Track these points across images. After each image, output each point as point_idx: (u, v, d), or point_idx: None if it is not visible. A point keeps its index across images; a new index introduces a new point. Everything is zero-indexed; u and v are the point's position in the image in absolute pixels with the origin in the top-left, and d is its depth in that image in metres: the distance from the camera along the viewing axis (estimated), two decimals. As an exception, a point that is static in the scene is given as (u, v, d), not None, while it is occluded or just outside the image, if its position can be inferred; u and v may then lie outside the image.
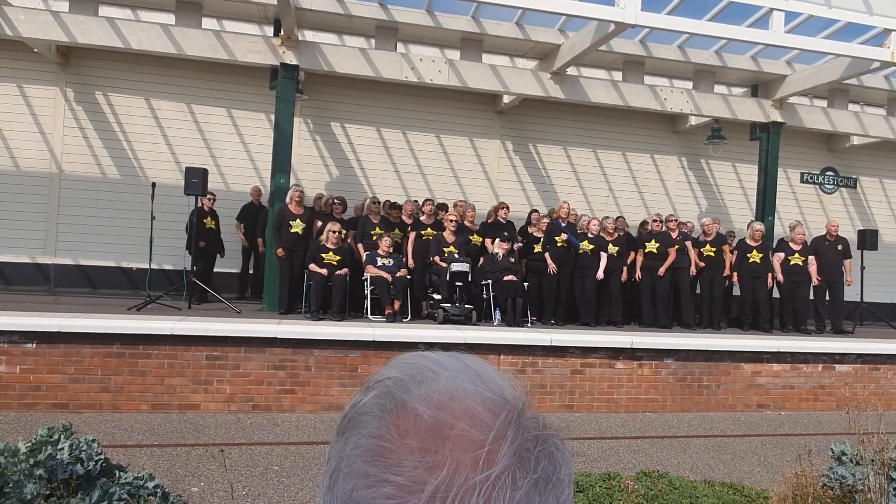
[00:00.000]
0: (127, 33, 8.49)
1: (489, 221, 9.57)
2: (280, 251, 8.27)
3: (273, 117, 9.31)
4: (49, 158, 10.10)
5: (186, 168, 8.25)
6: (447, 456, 0.47)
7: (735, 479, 5.00)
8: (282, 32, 8.82)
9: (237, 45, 8.80)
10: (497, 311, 8.39)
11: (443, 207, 9.67)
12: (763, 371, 7.95)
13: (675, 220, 9.60)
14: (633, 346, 7.50)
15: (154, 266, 8.33)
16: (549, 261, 8.90)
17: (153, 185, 8.16)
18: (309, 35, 9.82)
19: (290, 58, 8.82)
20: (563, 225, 9.16)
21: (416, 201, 9.63)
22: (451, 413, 0.49)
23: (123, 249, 10.01)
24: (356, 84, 10.49)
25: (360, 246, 8.66)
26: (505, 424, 0.49)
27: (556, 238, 8.99)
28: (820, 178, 12.43)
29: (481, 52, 10.04)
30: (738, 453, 6.00)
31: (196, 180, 8.00)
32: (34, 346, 6.08)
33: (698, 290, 9.67)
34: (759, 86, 11.14)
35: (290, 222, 8.30)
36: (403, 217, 9.31)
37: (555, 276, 8.91)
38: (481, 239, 9.06)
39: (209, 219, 9.02)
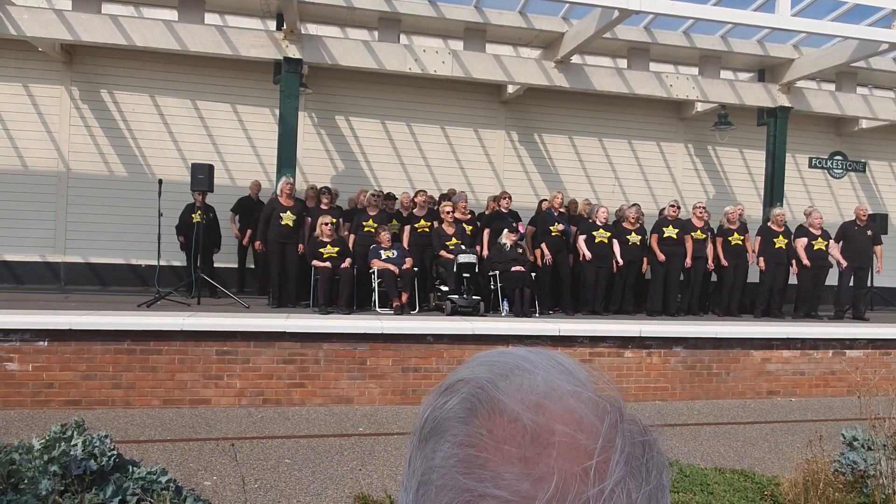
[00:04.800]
0: (130, 30, 8.50)
1: (488, 212, 9.53)
2: (258, 244, 8.28)
3: (277, 112, 9.31)
4: (56, 157, 10.14)
5: (192, 164, 8.28)
6: (553, 466, 0.42)
7: (746, 465, 4.99)
8: (284, 26, 8.80)
9: (240, 39, 8.79)
10: (505, 302, 8.38)
11: (445, 197, 9.64)
12: (773, 357, 7.92)
13: (703, 208, 9.47)
14: (642, 335, 7.49)
15: (163, 262, 8.38)
16: (546, 251, 8.87)
17: (160, 181, 8.18)
18: (312, 28, 9.80)
19: (294, 52, 8.80)
20: (556, 215, 9.12)
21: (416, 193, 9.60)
22: (552, 416, 0.45)
23: (132, 246, 10.06)
24: (360, 77, 10.47)
25: (351, 237, 8.59)
26: (612, 429, 0.45)
27: (551, 228, 8.96)
28: (828, 163, 12.33)
29: (485, 42, 9.99)
30: (748, 440, 5.99)
31: (202, 176, 8.04)
32: (46, 343, 6.13)
33: (713, 278, 9.63)
34: (766, 70, 11.04)
35: (281, 214, 8.24)
36: (401, 209, 9.29)
37: (550, 266, 8.88)
38: (471, 228, 9.01)
39: (198, 213, 8.89)
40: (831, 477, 3.84)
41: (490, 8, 9.74)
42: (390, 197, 9.53)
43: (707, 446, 5.74)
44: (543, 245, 8.91)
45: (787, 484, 3.93)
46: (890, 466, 3.69)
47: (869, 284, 10.22)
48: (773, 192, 10.54)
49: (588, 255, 8.83)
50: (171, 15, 9.09)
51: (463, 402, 0.47)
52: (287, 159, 8.83)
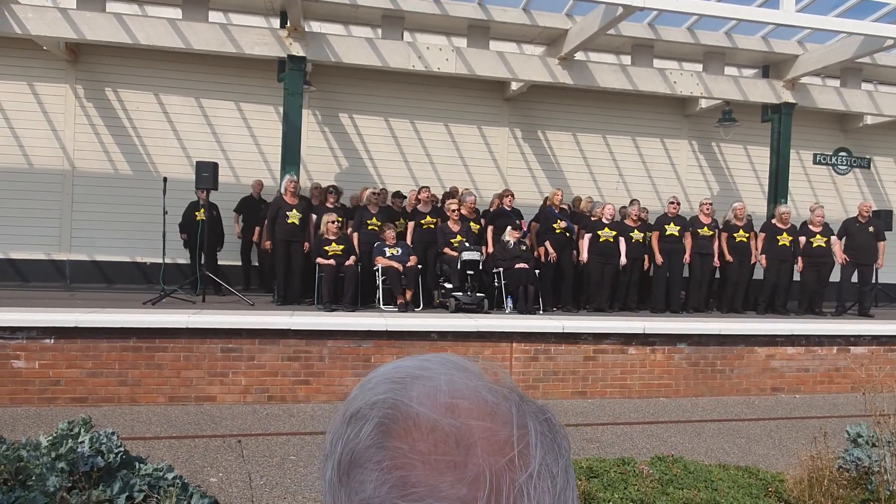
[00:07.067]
0: (135, 28, 8.51)
1: (492, 209, 9.54)
2: (267, 244, 8.31)
3: (281, 109, 9.32)
4: (61, 156, 10.18)
5: (197, 162, 8.31)
6: (481, 464, 0.44)
7: (750, 462, 5.00)
8: (288, 24, 8.80)
9: (244, 37, 8.80)
10: (509, 299, 8.39)
11: (449, 196, 9.66)
12: (777, 354, 7.91)
13: (709, 204, 9.46)
14: (646, 332, 7.49)
15: (168, 260, 8.41)
16: (550, 248, 8.87)
17: (164, 179, 8.21)
18: (315, 26, 9.80)
19: (297, 49, 8.81)
20: (557, 212, 9.11)
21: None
22: (466, 414, 0.46)
23: (137, 244, 10.11)
24: (363, 74, 10.47)
25: (355, 235, 8.60)
26: (521, 414, 0.48)
27: (554, 225, 8.96)
28: (833, 159, 12.28)
29: (488, 39, 9.98)
30: (752, 437, 5.99)
31: (207, 174, 8.06)
32: (52, 341, 6.16)
33: (717, 276, 9.61)
34: (771, 66, 11.00)
35: (287, 213, 8.26)
36: (407, 206, 9.31)
37: (554, 263, 8.88)
38: (478, 227, 9.02)
39: (201, 211, 8.94)
40: (835, 473, 3.84)
41: (493, 5, 9.72)
42: (398, 195, 9.55)
43: (711, 443, 5.75)
44: (547, 242, 8.92)
45: (792, 480, 3.94)
46: (894, 463, 3.69)
47: (874, 281, 10.19)
48: (778, 188, 10.52)
49: (585, 257, 8.84)
50: (176, 13, 9.11)
51: (376, 427, 0.47)
52: (291, 157, 8.84)
